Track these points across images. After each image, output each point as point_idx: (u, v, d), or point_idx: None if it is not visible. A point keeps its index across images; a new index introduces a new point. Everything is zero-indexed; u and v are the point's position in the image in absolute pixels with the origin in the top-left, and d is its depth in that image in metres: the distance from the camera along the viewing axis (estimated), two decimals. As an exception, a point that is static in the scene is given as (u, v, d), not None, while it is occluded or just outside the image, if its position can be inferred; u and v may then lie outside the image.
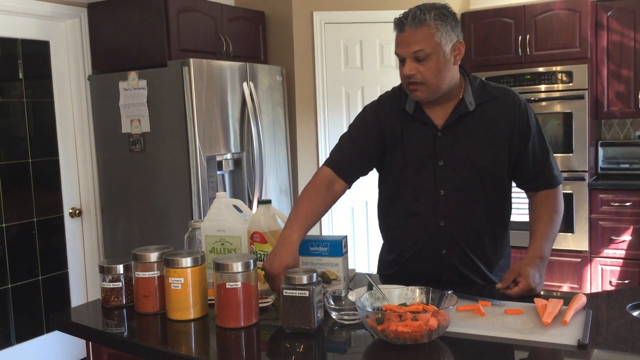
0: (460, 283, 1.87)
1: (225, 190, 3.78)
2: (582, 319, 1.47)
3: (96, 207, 3.80)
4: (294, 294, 1.47)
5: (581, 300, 1.53)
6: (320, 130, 4.27)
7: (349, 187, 1.92)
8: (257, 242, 1.85)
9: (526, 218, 1.92)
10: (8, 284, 3.42)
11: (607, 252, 4.22)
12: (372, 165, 1.95)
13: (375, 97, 2.00)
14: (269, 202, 1.90)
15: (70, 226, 3.75)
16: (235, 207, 2.02)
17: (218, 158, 3.62)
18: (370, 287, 1.58)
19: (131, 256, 1.71)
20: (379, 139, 1.90)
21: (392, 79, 4.05)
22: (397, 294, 1.52)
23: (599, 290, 4.19)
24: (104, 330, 1.64)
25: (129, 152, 3.62)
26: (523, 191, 1.96)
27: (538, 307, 1.52)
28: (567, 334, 1.38)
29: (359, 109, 2.00)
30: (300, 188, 3.99)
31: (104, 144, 3.73)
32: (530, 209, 1.92)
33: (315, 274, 1.50)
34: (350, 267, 1.92)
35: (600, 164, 4.54)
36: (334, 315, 1.54)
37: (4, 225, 3.40)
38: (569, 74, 4.27)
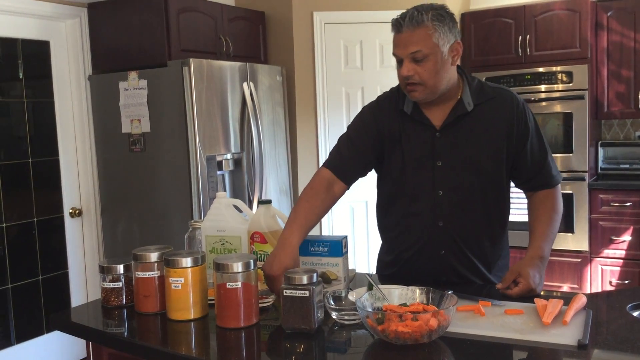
0: (459, 283, 1.86)
1: (225, 190, 3.78)
2: (582, 319, 1.47)
3: (96, 207, 3.80)
4: (294, 294, 1.47)
5: (581, 301, 1.53)
6: (320, 130, 4.27)
7: (348, 189, 1.92)
8: (257, 242, 1.85)
9: (525, 218, 1.92)
10: (8, 284, 3.42)
11: (607, 252, 4.22)
12: (370, 166, 1.95)
13: (375, 97, 1.99)
14: (269, 202, 1.90)
15: (71, 226, 3.75)
16: (236, 207, 2.02)
17: (218, 158, 3.62)
18: (370, 287, 1.58)
19: (131, 256, 1.71)
20: (378, 139, 1.90)
21: (392, 79, 4.01)
22: (397, 294, 1.52)
23: (599, 290, 4.18)
24: (104, 330, 1.64)
25: (129, 152, 3.62)
26: (522, 191, 1.96)
27: (538, 307, 1.52)
28: (567, 334, 1.38)
29: (359, 109, 2.00)
30: (300, 188, 3.99)
31: (104, 144, 3.73)
32: (529, 209, 1.92)
33: (315, 274, 1.50)
34: (350, 267, 1.92)
35: (600, 164, 4.54)
36: (334, 315, 1.54)
37: (4, 225, 3.40)
38: (569, 74, 4.27)
